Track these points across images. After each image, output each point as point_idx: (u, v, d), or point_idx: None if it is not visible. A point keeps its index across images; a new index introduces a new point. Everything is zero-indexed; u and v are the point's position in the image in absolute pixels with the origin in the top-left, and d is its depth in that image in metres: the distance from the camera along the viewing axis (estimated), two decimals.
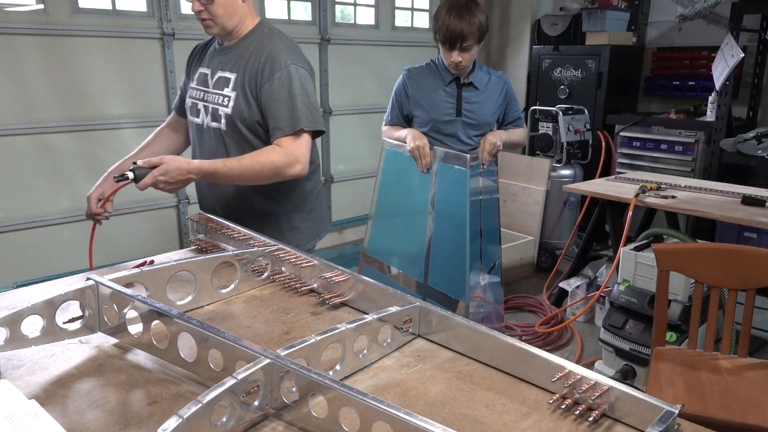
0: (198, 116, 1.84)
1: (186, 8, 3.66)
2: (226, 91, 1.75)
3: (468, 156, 2.25)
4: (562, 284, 3.67)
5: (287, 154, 1.68)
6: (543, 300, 3.82)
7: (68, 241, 3.35)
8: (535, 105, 4.72)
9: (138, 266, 1.49)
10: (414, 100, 2.43)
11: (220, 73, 1.79)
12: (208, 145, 1.83)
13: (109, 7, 3.35)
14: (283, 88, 1.68)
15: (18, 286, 1.38)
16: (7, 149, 3.11)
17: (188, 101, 1.87)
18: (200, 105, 1.82)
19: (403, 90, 2.46)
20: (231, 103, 1.74)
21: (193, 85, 1.86)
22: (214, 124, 1.79)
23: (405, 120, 2.50)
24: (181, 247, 3.21)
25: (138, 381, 1.00)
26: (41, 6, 3.09)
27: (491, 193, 2.44)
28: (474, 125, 2.40)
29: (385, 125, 2.56)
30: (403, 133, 2.40)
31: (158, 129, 2.02)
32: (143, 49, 3.48)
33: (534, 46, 4.97)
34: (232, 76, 1.75)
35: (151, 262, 1.53)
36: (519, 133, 2.52)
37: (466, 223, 2.25)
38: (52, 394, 0.96)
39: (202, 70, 1.85)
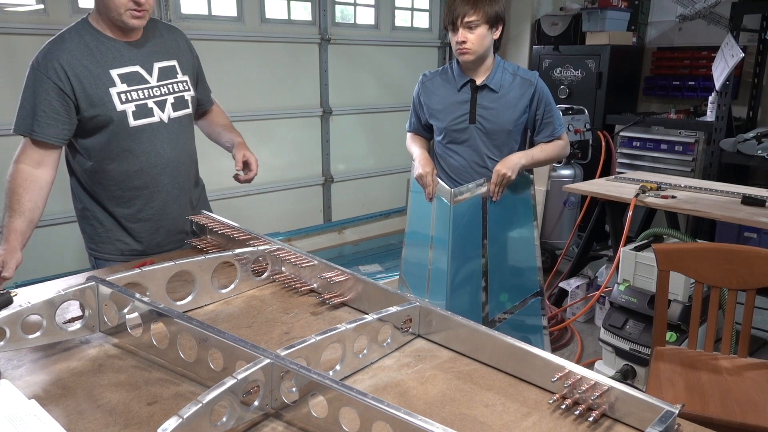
0: (152, 114, 1.70)
1: (186, 8, 3.66)
2: (180, 77, 1.77)
3: (452, 190, 2.03)
4: (562, 284, 3.67)
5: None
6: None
7: (68, 241, 3.35)
8: None
9: (138, 266, 1.49)
10: (428, 108, 2.24)
11: (158, 64, 1.72)
12: (173, 137, 1.75)
13: None
14: (197, 59, 1.89)
15: (18, 286, 1.39)
16: (7, 149, 3.10)
17: (125, 106, 1.65)
18: (150, 102, 1.69)
19: (417, 98, 2.28)
20: (191, 86, 1.80)
21: (122, 88, 1.64)
22: (183, 112, 1.77)
23: (425, 128, 2.32)
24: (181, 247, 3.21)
25: (138, 381, 1.00)
26: (41, 6, 3.09)
27: (514, 226, 2.21)
28: (491, 133, 2.14)
29: (408, 133, 2.40)
30: (415, 154, 2.22)
31: (20, 179, 1.64)
32: None
33: (534, 46, 4.97)
34: (174, 63, 1.76)
35: (151, 262, 1.53)
36: (550, 149, 2.18)
37: (446, 261, 2.06)
38: (52, 394, 0.96)
39: (122, 70, 1.65)
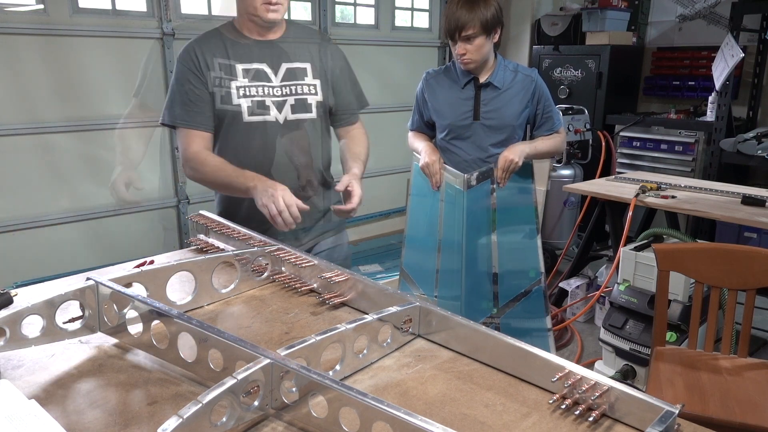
0: (268, 113, 1.69)
1: (186, 8, 3.66)
2: (308, 80, 1.74)
3: (465, 176, 2.09)
4: (562, 284, 3.67)
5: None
6: None
7: (68, 241, 3.35)
8: None
9: (138, 266, 1.49)
10: (431, 106, 2.29)
11: (287, 65, 1.73)
12: (288, 139, 1.72)
13: (109, 7, 3.35)
14: (345, 71, 1.85)
15: (18, 286, 1.38)
16: (7, 149, 3.11)
17: (243, 101, 1.67)
18: (269, 101, 1.69)
19: (421, 95, 2.33)
20: (319, 90, 1.76)
21: (242, 83, 1.68)
22: (303, 115, 1.74)
23: (427, 126, 2.37)
24: (181, 247, 3.21)
25: (138, 381, 1.00)
26: (41, 6, 3.09)
27: (519, 211, 2.25)
28: (495, 129, 2.21)
29: (409, 131, 2.43)
30: (420, 146, 2.27)
31: (209, 156, 1.69)
32: (143, 49, 3.48)
33: (534, 46, 4.97)
34: (306, 65, 1.75)
35: (151, 262, 1.53)
36: (550, 142, 2.26)
37: (461, 249, 2.10)
38: (52, 394, 0.96)
39: (248, 66, 1.69)
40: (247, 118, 1.68)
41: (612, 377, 1.20)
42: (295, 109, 1.72)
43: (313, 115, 1.76)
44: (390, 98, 4.73)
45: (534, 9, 5.11)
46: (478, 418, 0.92)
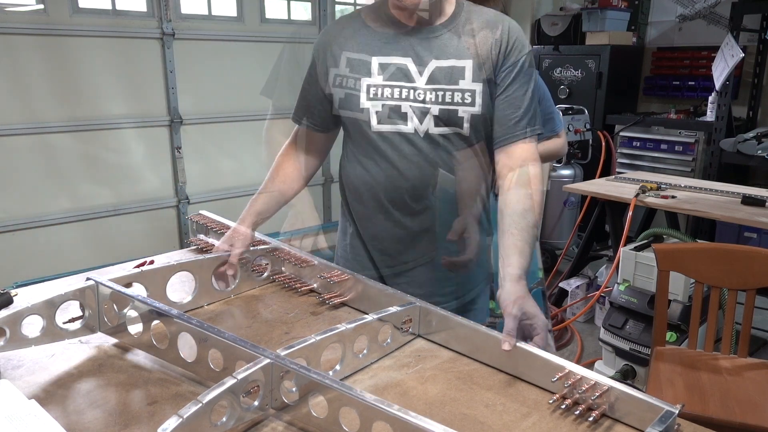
0: (403, 122, 1.30)
1: (186, 8, 3.66)
2: (464, 84, 1.28)
3: None
4: (562, 284, 3.67)
5: (539, 166, 1.33)
6: None
7: (68, 241, 3.36)
8: None
9: (138, 266, 1.49)
10: None
11: (438, 63, 1.29)
12: (424, 158, 1.31)
13: (109, 7, 3.35)
14: (524, 79, 1.31)
15: (18, 286, 1.38)
16: (7, 149, 3.11)
17: (371, 105, 1.32)
18: (406, 106, 1.30)
19: None
20: (479, 100, 1.28)
21: (375, 81, 1.32)
22: (448, 129, 1.30)
23: None
24: (181, 247, 3.21)
25: (138, 381, 1.00)
26: (41, 6, 3.09)
27: None
28: None
29: None
30: None
31: (282, 151, 1.53)
32: (143, 49, 3.48)
33: (534, 46, 4.97)
34: (467, 64, 1.28)
35: (151, 262, 1.53)
36: (551, 145, 2.16)
37: None
38: (52, 394, 0.96)
39: (386, 59, 1.31)
40: (375, 126, 1.32)
41: (612, 377, 1.20)
42: (439, 120, 1.29)
43: (463, 131, 1.31)
44: None
45: (534, 9, 5.11)
46: (478, 418, 0.92)
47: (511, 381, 1.02)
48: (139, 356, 1.08)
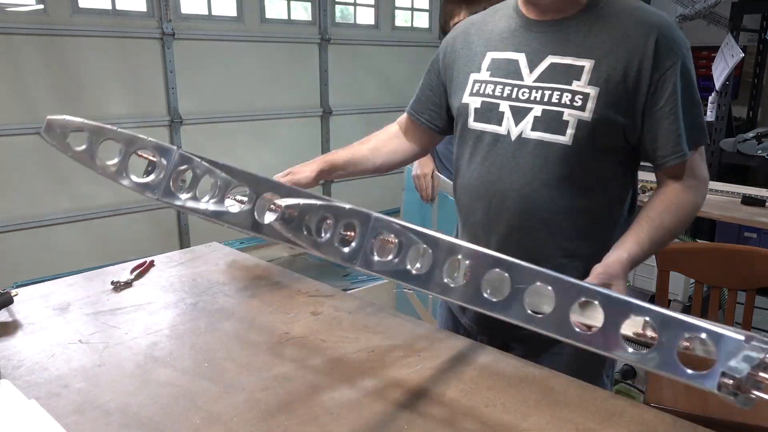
0: (497, 121, 1.19)
1: (186, 8, 3.66)
2: (577, 86, 1.11)
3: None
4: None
5: (704, 184, 1.20)
6: None
7: (68, 241, 3.36)
8: None
9: (138, 267, 1.49)
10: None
11: (553, 59, 1.15)
12: (519, 165, 1.16)
13: (109, 7, 3.35)
14: (684, 83, 1.11)
15: (18, 286, 1.38)
16: (7, 149, 3.11)
17: (472, 100, 1.23)
18: (504, 105, 1.19)
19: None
20: (591, 105, 1.10)
21: (483, 76, 1.23)
22: (549, 137, 1.13)
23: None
24: (181, 247, 3.22)
25: (138, 381, 1.00)
26: (41, 6, 3.09)
27: None
28: None
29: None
30: None
31: (383, 129, 1.48)
32: (143, 49, 3.48)
33: None
34: (587, 64, 1.11)
35: (152, 262, 1.53)
36: None
37: None
38: (52, 394, 0.96)
39: (500, 55, 1.21)
40: (471, 123, 1.23)
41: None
42: (536, 124, 1.14)
43: (566, 139, 1.12)
44: (390, 98, 4.73)
45: None
46: (478, 418, 0.92)
47: (512, 381, 1.02)
48: (139, 356, 1.08)
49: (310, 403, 0.94)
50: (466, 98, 1.24)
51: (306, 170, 1.34)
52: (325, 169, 1.35)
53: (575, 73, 1.12)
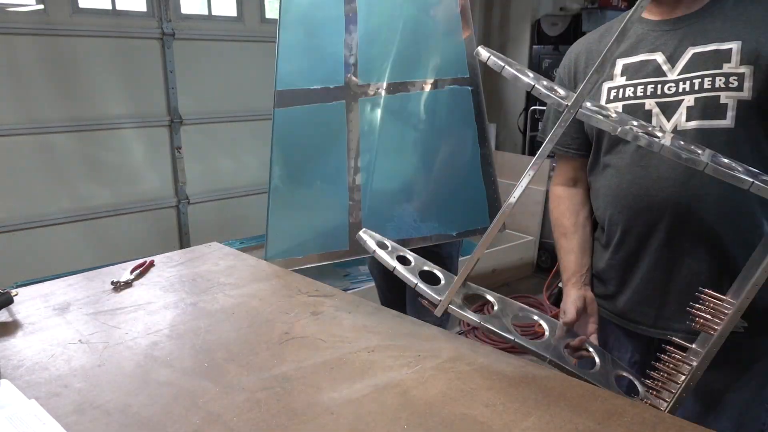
0: (645, 120, 1.15)
1: (186, 8, 3.66)
2: (729, 68, 1.08)
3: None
4: (562, 284, 3.66)
5: None
6: (543, 300, 3.82)
7: (68, 241, 3.35)
8: (535, 105, 4.73)
9: (138, 266, 1.49)
10: None
11: (694, 49, 1.12)
12: (672, 170, 1.12)
13: (109, 7, 3.35)
14: None
15: (18, 286, 1.39)
16: (7, 149, 3.11)
17: (612, 106, 1.19)
18: (650, 103, 1.16)
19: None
20: (749, 84, 1.07)
21: (617, 83, 1.21)
22: (707, 123, 1.10)
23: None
24: (181, 247, 3.22)
25: (138, 381, 1.00)
26: (41, 6, 3.09)
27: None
28: None
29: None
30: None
31: (555, 196, 1.42)
32: (143, 49, 3.48)
33: (534, 46, 4.97)
34: (734, 45, 1.09)
35: (152, 262, 1.53)
36: None
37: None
38: (52, 394, 0.96)
39: (632, 59, 1.20)
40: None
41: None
42: (691, 113, 1.11)
43: (728, 122, 1.09)
44: None
45: (534, 9, 5.10)
46: (478, 418, 0.92)
47: (512, 381, 1.02)
48: (139, 356, 1.08)
49: (310, 403, 0.94)
50: (619, 104, 1.20)
51: (590, 296, 1.39)
52: (585, 276, 1.43)
53: (723, 56, 1.09)
